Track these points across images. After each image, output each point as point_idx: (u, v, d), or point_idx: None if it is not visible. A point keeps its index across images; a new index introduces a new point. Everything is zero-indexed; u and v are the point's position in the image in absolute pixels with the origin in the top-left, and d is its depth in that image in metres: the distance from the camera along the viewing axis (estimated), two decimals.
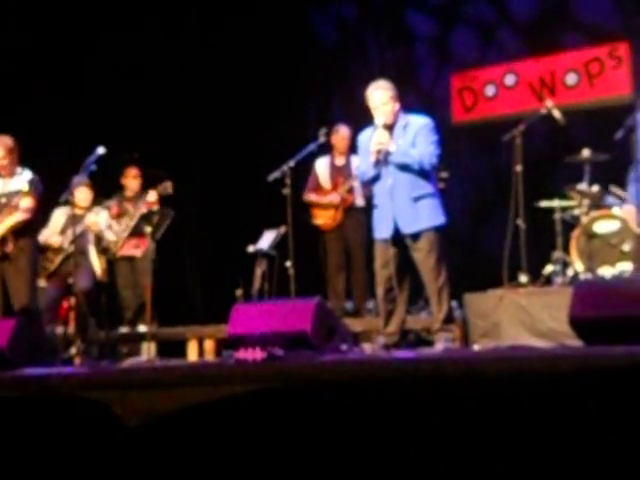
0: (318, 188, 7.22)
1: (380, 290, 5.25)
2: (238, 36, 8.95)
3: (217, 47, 9.01)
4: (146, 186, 7.45)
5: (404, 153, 5.15)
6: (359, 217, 7.08)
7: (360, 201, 7.10)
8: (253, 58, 8.90)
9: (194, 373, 3.65)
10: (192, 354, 7.02)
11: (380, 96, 5.24)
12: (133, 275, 7.43)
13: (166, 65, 8.84)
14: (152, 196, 7.19)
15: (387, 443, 2.93)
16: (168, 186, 7.21)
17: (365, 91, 5.35)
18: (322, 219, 7.19)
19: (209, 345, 7.02)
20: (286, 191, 6.37)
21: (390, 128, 5.25)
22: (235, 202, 7.53)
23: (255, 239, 7.51)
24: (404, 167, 5.15)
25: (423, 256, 5.16)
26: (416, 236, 5.16)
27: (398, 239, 5.17)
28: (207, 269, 9.27)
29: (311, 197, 7.22)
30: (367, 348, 5.40)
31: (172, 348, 7.09)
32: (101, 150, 5.98)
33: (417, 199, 5.16)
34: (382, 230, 5.23)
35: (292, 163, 6.42)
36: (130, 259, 7.35)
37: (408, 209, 5.15)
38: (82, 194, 6.94)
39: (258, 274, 7.36)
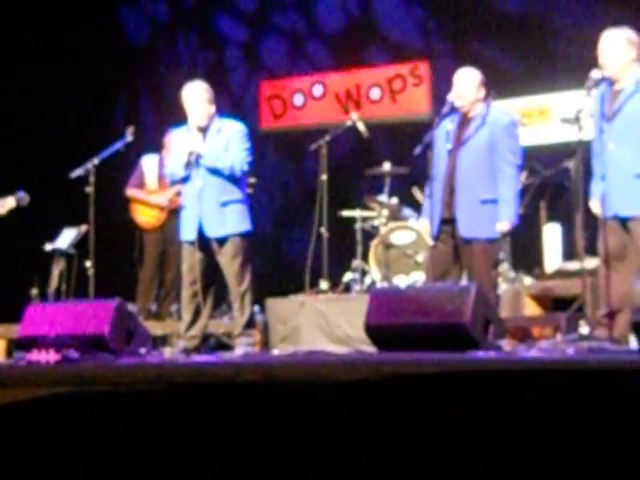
0: (142, 185, 7.06)
1: (186, 293, 5.23)
2: (45, 30, 8.62)
3: (22, 38, 8.64)
4: None
5: (216, 157, 5.15)
6: None
7: None
8: (61, 52, 8.61)
9: None
10: None
11: (196, 97, 5.23)
12: None
13: None
14: (11, 202, 6.94)
15: (184, 448, 2.92)
16: (26, 198, 6.95)
17: (180, 91, 5.31)
18: (144, 217, 7.02)
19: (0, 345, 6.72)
20: (89, 189, 6.20)
21: (203, 130, 5.24)
22: (34, 198, 7.24)
23: (54, 237, 7.26)
24: (215, 171, 5.17)
25: (228, 260, 5.19)
26: (222, 241, 5.19)
27: (205, 242, 5.17)
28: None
29: (137, 194, 7.02)
30: (167, 352, 5.35)
31: None
32: None
33: (225, 204, 5.19)
34: (188, 232, 5.23)
35: (97, 161, 6.26)
36: None
37: (215, 213, 5.17)
38: None
39: (56, 273, 7.11)
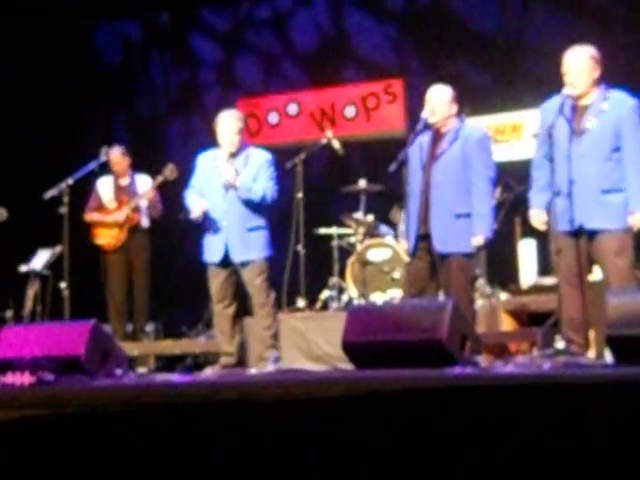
0: (101, 208, 7.05)
1: (216, 310, 5.44)
2: (18, 50, 8.59)
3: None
4: None
5: (248, 189, 5.31)
6: (143, 238, 6.99)
7: (145, 222, 7.00)
8: (34, 72, 8.57)
9: None
10: None
11: (232, 126, 5.38)
12: None
13: None
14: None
15: (160, 470, 2.89)
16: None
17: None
18: (105, 238, 7.00)
19: None
20: (63, 209, 6.17)
21: (232, 156, 5.38)
22: (7, 219, 7.18)
23: (28, 258, 7.21)
24: (246, 201, 5.32)
25: (252, 277, 5.35)
26: (245, 263, 5.35)
27: (229, 263, 5.36)
28: None
29: (93, 216, 7.03)
30: (208, 371, 5.39)
31: None
32: None
33: (251, 230, 5.35)
34: (213, 254, 5.37)
35: (71, 181, 6.24)
36: None
37: (241, 239, 5.31)
38: None
39: (30, 295, 7.06)
